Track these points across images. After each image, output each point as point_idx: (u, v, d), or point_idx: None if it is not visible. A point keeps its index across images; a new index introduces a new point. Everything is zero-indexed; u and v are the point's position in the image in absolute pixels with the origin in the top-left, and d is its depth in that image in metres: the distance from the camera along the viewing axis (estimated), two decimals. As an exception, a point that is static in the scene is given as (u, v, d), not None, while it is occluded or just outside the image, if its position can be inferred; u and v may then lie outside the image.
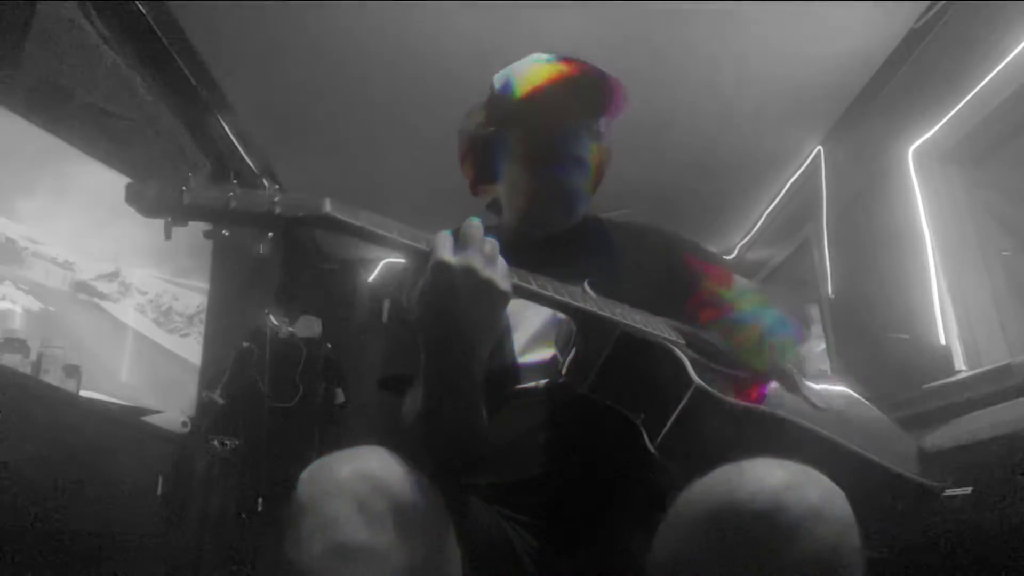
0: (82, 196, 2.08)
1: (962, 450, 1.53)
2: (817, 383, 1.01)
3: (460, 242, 0.76)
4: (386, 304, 4.27)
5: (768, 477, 0.65)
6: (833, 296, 3.06)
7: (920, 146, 2.44)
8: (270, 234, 0.71)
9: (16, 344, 1.67)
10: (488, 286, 0.75)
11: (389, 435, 0.85)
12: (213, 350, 2.72)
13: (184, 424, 2.21)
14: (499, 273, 0.76)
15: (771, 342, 0.89)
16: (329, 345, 3.75)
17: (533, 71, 1.10)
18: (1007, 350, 2.15)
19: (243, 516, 2.61)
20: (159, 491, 1.92)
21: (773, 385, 0.93)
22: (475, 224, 0.77)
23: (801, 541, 0.62)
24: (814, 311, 3.20)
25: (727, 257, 4.20)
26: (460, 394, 0.83)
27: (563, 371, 0.91)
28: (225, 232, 0.70)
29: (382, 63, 2.72)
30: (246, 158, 3.22)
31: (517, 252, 0.82)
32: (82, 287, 2.08)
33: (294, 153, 3.31)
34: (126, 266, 2.25)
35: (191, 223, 0.69)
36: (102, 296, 2.15)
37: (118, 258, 2.22)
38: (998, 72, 2.09)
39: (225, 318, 2.87)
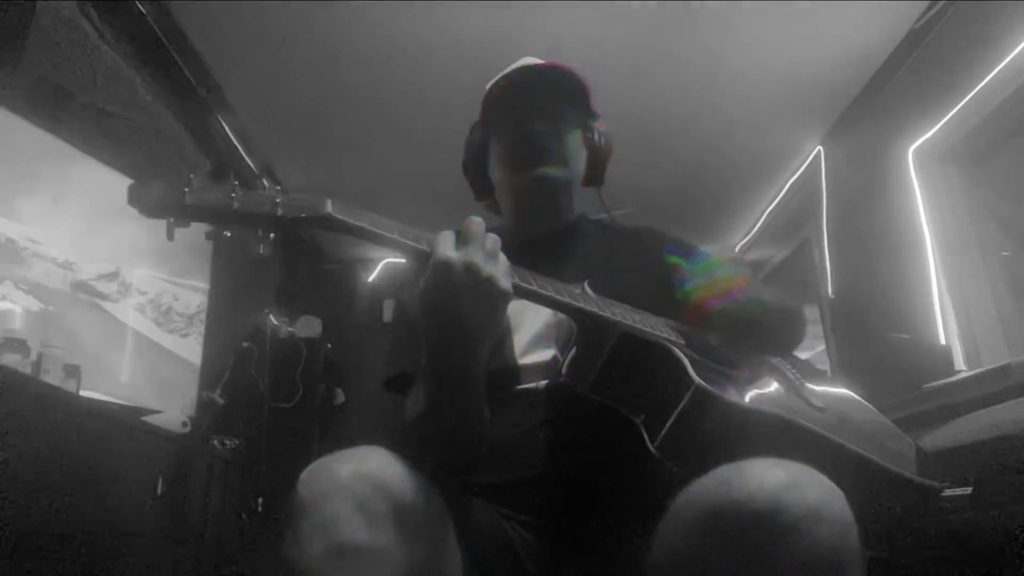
0: (82, 196, 2.08)
1: (962, 450, 1.53)
2: (817, 385, 1.02)
3: (462, 239, 0.76)
4: (386, 304, 4.30)
5: (767, 477, 0.65)
6: (833, 296, 3.06)
7: (920, 146, 2.44)
8: (272, 235, 0.72)
9: (16, 344, 1.67)
10: (489, 283, 0.75)
11: (390, 434, 0.85)
12: (213, 350, 2.72)
13: (184, 424, 2.21)
14: (500, 270, 0.77)
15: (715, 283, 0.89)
16: (329, 345, 3.75)
17: (505, 76, 1.14)
18: (1007, 350, 2.15)
19: (243, 516, 2.61)
20: (159, 491, 1.92)
21: (774, 385, 0.93)
22: (477, 222, 0.77)
23: (800, 541, 0.62)
24: (814, 311, 3.20)
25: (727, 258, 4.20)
26: (462, 392, 0.83)
27: (563, 371, 0.91)
28: (227, 232, 0.71)
29: (382, 64, 2.72)
30: (246, 158, 3.22)
31: (515, 253, 0.82)
32: (82, 287, 2.08)
33: (294, 153, 3.32)
34: (126, 266, 2.25)
35: (193, 224, 0.70)
36: (102, 296, 2.15)
37: (118, 258, 2.22)
38: (998, 72, 2.09)
39: (225, 318, 2.87)
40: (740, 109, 2.97)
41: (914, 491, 0.94)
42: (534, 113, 1.10)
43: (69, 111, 2.13)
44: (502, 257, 0.78)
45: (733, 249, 4.20)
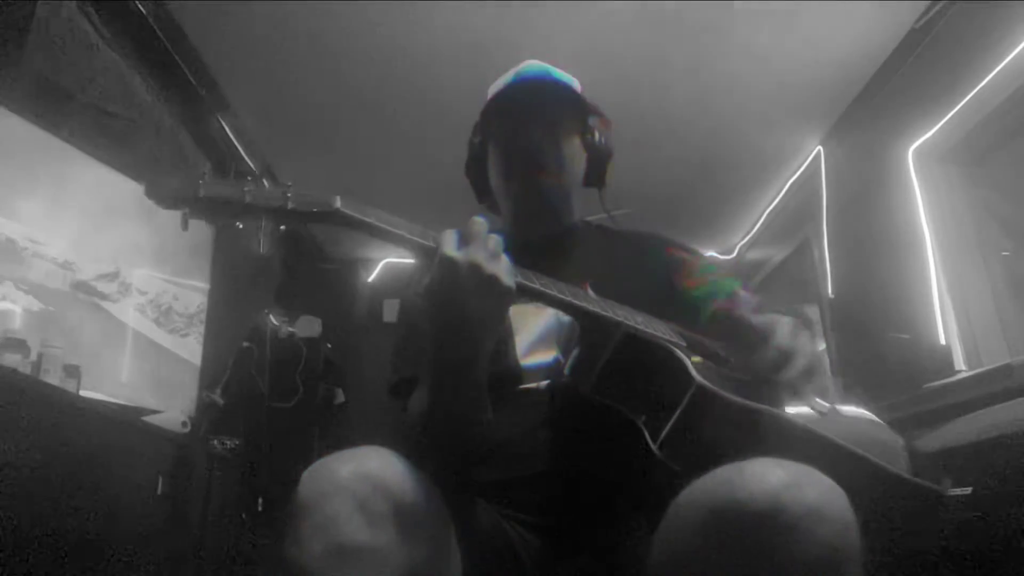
0: (82, 196, 2.08)
1: (962, 450, 1.53)
2: (823, 397, 1.01)
3: (465, 238, 0.77)
4: (386, 304, 4.30)
5: (768, 476, 0.65)
6: (833, 296, 3.06)
7: (920, 146, 2.44)
8: (282, 227, 0.74)
9: (16, 344, 1.67)
10: (492, 281, 0.76)
11: (392, 434, 0.86)
12: (213, 350, 2.72)
13: (184, 424, 2.21)
14: (503, 269, 0.78)
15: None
16: (329, 345, 3.75)
17: (500, 83, 1.15)
18: (1007, 350, 2.15)
19: (243, 516, 2.61)
20: (159, 491, 1.92)
21: (775, 388, 0.93)
22: (480, 222, 0.78)
23: (801, 541, 0.62)
24: (814, 311, 3.20)
25: (727, 257, 4.21)
26: (465, 389, 0.84)
27: (566, 371, 0.91)
28: (239, 224, 0.74)
29: (382, 63, 2.72)
30: (246, 158, 3.22)
31: (515, 257, 0.82)
32: (82, 287, 2.08)
33: (294, 153, 3.32)
34: (126, 266, 2.25)
35: (195, 222, 0.73)
36: (102, 296, 2.15)
37: (118, 258, 2.22)
38: (998, 72, 2.10)
39: (225, 318, 2.87)
40: (740, 109, 2.97)
41: (918, 494, 0.93)
42: (528, 122, 1.10)
43: (69, 111, 2.13)
44: (504, 256, 0.79)
45: (733, 251, 4.20)
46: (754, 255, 4.04)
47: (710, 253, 4.14)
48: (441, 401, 0.85)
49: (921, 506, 0.94)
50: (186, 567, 2.07)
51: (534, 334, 1.03)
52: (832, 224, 3.09)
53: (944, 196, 2.40)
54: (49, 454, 1.51)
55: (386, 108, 3.00)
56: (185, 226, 0.72)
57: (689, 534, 0.69)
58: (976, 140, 2.30)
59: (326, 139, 3.22)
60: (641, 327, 0.89)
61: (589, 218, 1.24)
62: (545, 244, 1.12)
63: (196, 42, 2.62)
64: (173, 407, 2.31)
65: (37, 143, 1.92)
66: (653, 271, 1.11)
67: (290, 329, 3.55)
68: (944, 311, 2.30)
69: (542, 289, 0.83)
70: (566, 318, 0.96)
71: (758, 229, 3.92)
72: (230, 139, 3.10)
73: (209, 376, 2.68)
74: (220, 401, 2.67)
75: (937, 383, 1.87)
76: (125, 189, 2.24)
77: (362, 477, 0.69)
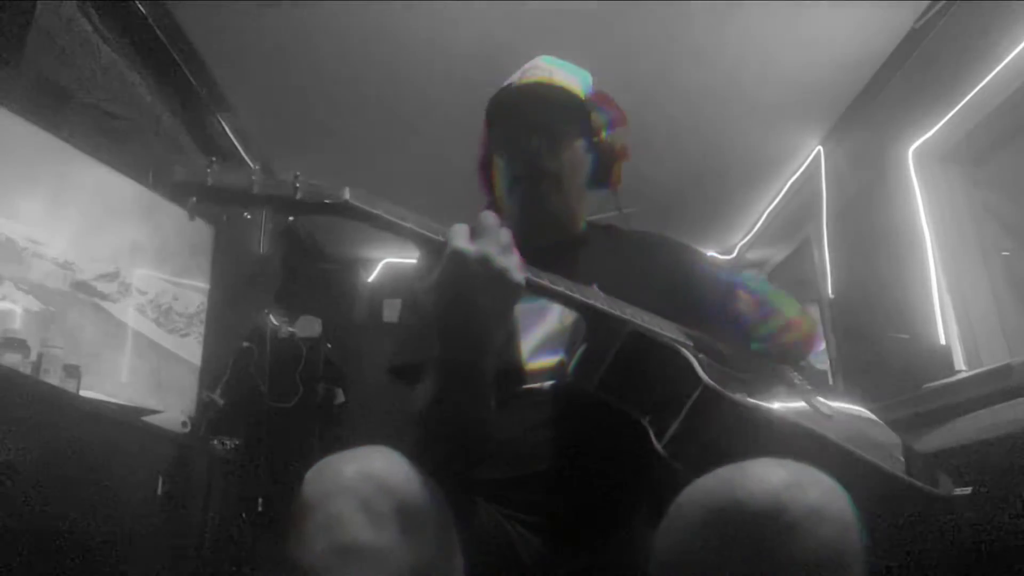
0: (82, 196, 2.08)
1: (962, 450, 1.53)
2: (825, 395, 1.02)
3: (476, 232, 0.77)
4: (386, 304, 4.29)
5: (770, 476, 0.65)
6: (833, 296, 3.06)
7: (920, 146, 2.44)
8: (290, 218, 0.74)
9: (16, 344, 1.67)
10: (502, 275, 0.76)
11: (393, 434, 0.85)
12: (213, 350, 2.71)
13: (184, 424, 2.20)
14: (513, 263, 0.77)
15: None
16: (329, 345, 3.75)
17: (501, 92, 1.14)
18: (1007, 350, 2.15)
19: (243, 516, 2.61)
20: (159, 491, 1.92)
21: (781, 390, 0.94)
22: (491, 215, 0.78)
23: (802, 540, 0.62)
24: (814, 311, 3.20)
25: (727, 257, 4.21)
26: (470, 383, 0.84)
27: (571, 369, 0.91)
28: (247, 214, 0.73)
29: (382, 63, 2.72)
30: (246, 158, 3.22)
31: (524, 256, 0.82)
32: (82, 287, 2.08)
33: (294, 152, 3.31)
34: (126, 266, 2.25)
35: (196, 222, 0.72)
36: (102, 296, 2.15)
37: (118, 258, 2.22)
38: (998, 72, 2.10)
39: (225, 318, 2.87)
40: (740, 109, 2.97)
41: (921, 498, 0.93)
42: (526, 130, 1.09)
43: (69, 111, 2.13)
44: (515, 251, 0.79)
45: (733, 251, 4.20)
46: (754, 255, 4.04)
47: (710, 253, 4.14)
48: (446, 396, 0.85)
49: (921, 507, 0.94)
50: (186, 567, 2.07)
51: (539, 333, 1.03)
52: (832, 224, 3.09)
53: (944, 196, 2.40)
54: (49, 454, 1.51)
55: (386, 108, 3.00)
56: (192, 216, 0.72)
57: (691, 534, 0.69)
58: (976, 140, 2.30)
59: (326, 139, 3.22)
60: (648, 325, 0.89)
61: (595, 217, 1.24)
62: (551, 249, 1.11)
63: (196, 42, 2.62)
64: (173, 407, 2.31)
65: (37, 143, 1.92)
66: (663, 273, 1.11)
67: (290, 329, 3.55)
68: (944, 311, 2.30)
69: (550, 285, 0.83)
70: (571, 318, 0.96)
71: (758, 229, 3.92)
72: (230, 139, 3.10)
73: (209, 376, 2.68)
74: (220, 401, 2.67)
75: (937, 383, 1.87)
76: (125, 189, 2.24)
77: (366, 477, 0.69)
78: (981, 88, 2.16)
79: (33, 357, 1.73)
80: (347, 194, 0.74)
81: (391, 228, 0.76)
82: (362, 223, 0.76)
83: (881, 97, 2.73)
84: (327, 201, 0.73)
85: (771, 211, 3.74)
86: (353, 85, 2.85)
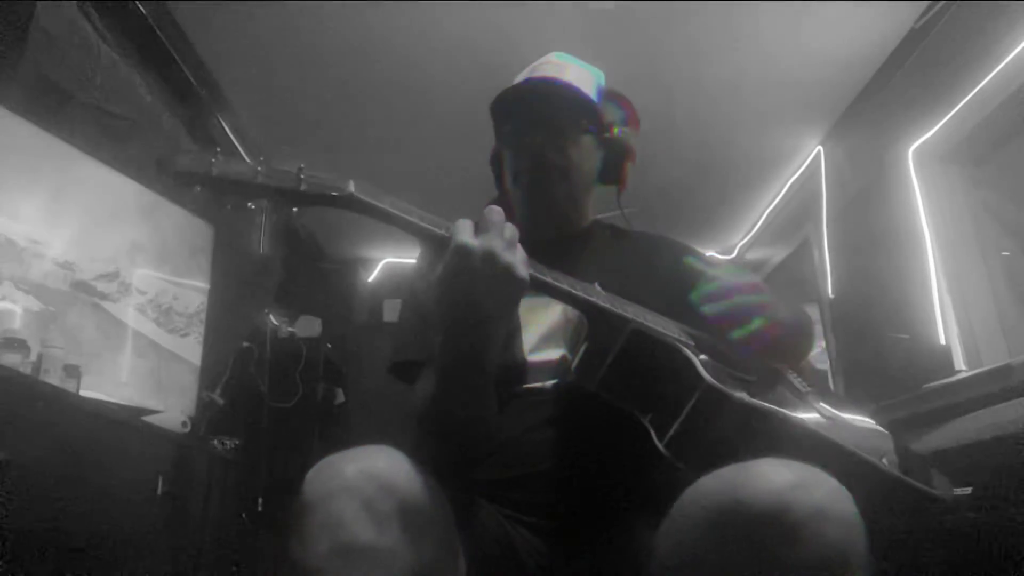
0: (82, 196, 2.08)
1: (962, 450, 1.53)
2: (825, 398, 1.01)
3: (481, 226, 0.77)
4: (387, 304, 4.29)
5: (774, 477, 0.65)
6: (833, 296, 3.06)
7: (920, 146, 2.44)
8: (294, 209, 0.74)
9: (16, 344, 1.67)
10: (507, 271, 0.76)
11: (394, 434, 0.85)
12: (213, 350, 2.71)
13: (184, 424, 2.20)
14: (518, 259, 0.77)
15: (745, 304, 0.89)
16: (329, 345, 3.75)
17: (509, 88, 1.13)
18: (1007, 350, 2.15)
19: (243, 516, 2.61)
20: (159, 491, 1.92)
21: (781, 391, 0.94)
22: (497, 210, 0.78)
23: (806, 541, 0.62)
24: (814, 311, 3.20)
25: (727, 257, 4.21)
26: (473, 380, 0.83)
27: (573, 367, 0.91)
28: (251, 205, 0.73)
29: (381, 63, 2.72)
30: (246, 157, 3.22)
31: (528, 250, 0.82)
32: (82, 287, 2.07)
33: (293, 152, 3.31)
34: (126, 266, 2.25)
35: (196, 223, 0.71)
36: (102, 296, 2.15)
37: (118, 258, 2.22)
38: (998, 72, 2.10)
39: (225, 318, 2.87)
40: (740, 109, 2.97)
41: (920, 499, 0.93)
42: (531, 127, 1.10)
43: (69, 111, 2.13)
44: (520, 247, 0.78)
45: (733, 251, 4.20)
46: (754, 255, 4.04)
47: (710, 253, 4.14)
48: (447, 392, 0.84)
49: (922, 508, 0.94)
50: (186, 567, 2.07)
51: (542, 331, 1.03)
52: (832, 224, 3.10)
53: (944, 196, 2.40)
54: (49, 454, 1.51)
55: (387, 108, 3.00)
56: (195, 210, 0.72)
57: (694, 533, 0.69)
58: (976, 140, 2.30)
59: (326, 139, 3.22)
60: (650, 324, 0.88)
61: (601, 216, 1.24)
62: (555, 245, 1.11)
63: (196, 42, 2.62)
64: (173, 407, 2.31)
65: (37, 143, 1.92)
66: (664, 273, 1.11)
67: (290, 329, 3.55)
68: (944, 311, 2.30)
69: (553, 282, 0.83)
70: (574, 316, 0.96)
71: (758, 229, 3.92)
72: (230, 138, 3.10)
73: (209, 376, 2.68)
74: (220, 401, 2.67)
75: (937, 383, 1.87)
76: (125, 189, 2.24)
77: (368, 476, 0.69)
78: (981, 88, 2.16)
79: (33, 357, 1.73)
80: (352, 186, 0.74)
81: (395, 222, 0.76)
82: (366, 217, 0.75)
83: (881, 97, 2.73)
84: (332, 193, 0.73)
85: (771, 211, 3.75)
86: (353, 85, 2.85)
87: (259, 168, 0.71)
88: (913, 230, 2.42)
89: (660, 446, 0.81)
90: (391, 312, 4.30)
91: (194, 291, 2.58)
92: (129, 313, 2.27)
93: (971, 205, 2.39)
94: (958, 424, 1.62)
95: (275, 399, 3.27)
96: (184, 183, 0.70)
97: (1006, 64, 2.07)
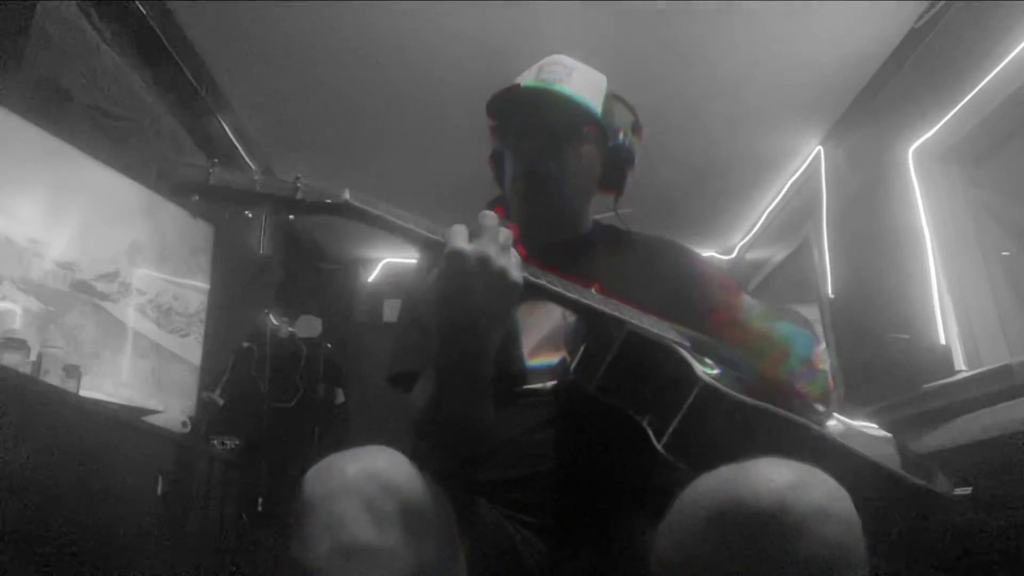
0: (82, 196, 2.08)
1: (962, 450, 1.53)
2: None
3: (475, 231, 0.77)
4: (386, 304, 4.29)
5: (774, 476, 0.65)
6: (833, 296, 3.06)
7: (920, 146, 2.44)
8: (291, 216, 0.75)
9: (16, 344, 1.67)
10: (502, 275, 0.76)
11: (394, 434, 0.85)
12: (213, 350, 2.72)
13: (184, 424, 2.21)
14: (513, 263, 0.77)
15: (787, 349, 0.91)
16: (329, 345, 3.75)
17: (510, 89, 1.11)
18: (1007, 350, 2.15)
19: (243, 516, 2.61)
20: (159, 491, 1.92)
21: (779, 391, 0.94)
22: (491, 215, 0.78)
23: (806, 540, 0.62)
24: (814, 311, 3.20)
25: (727, 257, 4.21)
26: (470, 384, 0.84)
27: (572, 368, 0.91)
28: (248, 213, 0.74)
29: (382, 63, 2.72)
30: (246, 158, 3.22)
31: (526, 253, 0.82)
32: (82, 287, 2.08)
33: (293, 153, 3.31)
34: (126, 266, 2.25)
35: (196, 222, 0.72)
36: (102, 296, 2.15)
37: (118, 258, 2.22)
38: (998, 72, 2.10)
39: (225, 318, 2.87)
40: (740, 109, 2.97)
41: (920, 497, 0.93)
42: (528, 132, 1.09)
43: (69, 111, 2.13)
44: (514, 251, 0.78)
45: (733, 251, 4.20)
46: (754, 255, 4.04)
47: (710, 253, 4.14)
48: (444, 397, 0.85)
49: (922, 508, 0.94)
50: (186, 567, 2.07)
51: (541, 334, 1.03)
52: (832, 224, 3.10)
53: (944, 196, 2.40)
54: (49, 454, 1.51)
55: (387, 108, 3.00)
56: (195, 214, 0.74)
57: (693, 533, 0.69)
58: (976, 140, 2.30)
59: (326, 139, 3.22)
60: (646, 326, 0.89)
61: (599, 216, 1.23)
62: (555, 248, 1.11)
63: (196, 42, 2.62)
64: (173, 407, 2.31)
65: (37, 143, 1.92)
66: (663, 276, 1.11)
67: (290, 329, 3.55)
68: (944, 311, 2.30)
69: (549, 286, 0.83)
70: (573, 319, 0.96)
71: (758, 229, 3.92)
72: (230, 139, 3.10)
73: (209, 376, 2.68)
74: (220, 401, 2.67)
75: (937, 383, 1.87)
76: (125, 189, 2.24)
77: (370, 476, 0.69)
78: (981, 88, 2.16)
79: (33, 357, 1.74)
80: (347, 195, 0.75)
81: (390, 228, 0.77)
82: (362, 224, 0.76)
83: (881, 97, 2.73)
84: (328, 201, 0.74)
85: (771, 211, 3.75)
86: (353, 85, 2.85)
87: (256, 177, 0.72)
88: (913, 230, 2.42)
89: (659, 446, 0.81)
90: (391, 312, 4.30)
91: (194, 291, 2.58)
92: (129, 313, 2.27)
93: (971, 205, 2.39)
94: (958, 424, 1.62)
95: (275, 399, 3.27)
96: (182, 195, 0.71)
97: (1006, 64, 2.07)
